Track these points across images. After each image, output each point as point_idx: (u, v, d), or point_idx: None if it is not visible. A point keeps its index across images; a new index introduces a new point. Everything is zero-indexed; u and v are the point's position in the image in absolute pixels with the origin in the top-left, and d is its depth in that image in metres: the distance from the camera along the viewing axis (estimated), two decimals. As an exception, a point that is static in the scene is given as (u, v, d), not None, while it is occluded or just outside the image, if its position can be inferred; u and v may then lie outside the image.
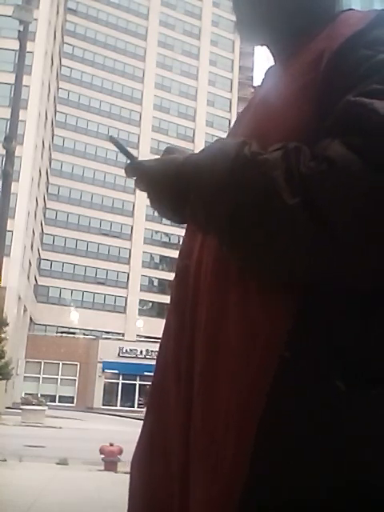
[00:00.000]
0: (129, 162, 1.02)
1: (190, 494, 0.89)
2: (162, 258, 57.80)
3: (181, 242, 1.10)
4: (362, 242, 0.77)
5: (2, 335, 26.17)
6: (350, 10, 1.00)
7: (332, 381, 0.80)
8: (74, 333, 51.99)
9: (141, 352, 45.66)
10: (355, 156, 0.77)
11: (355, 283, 0.81)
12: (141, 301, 57.42)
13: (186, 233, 1.08)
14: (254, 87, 1.12)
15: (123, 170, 1.03)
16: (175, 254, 1.09)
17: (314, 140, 0.84)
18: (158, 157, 1.02)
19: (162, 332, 1.08)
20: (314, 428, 0.79)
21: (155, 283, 58.46)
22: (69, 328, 52.73)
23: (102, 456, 9.68)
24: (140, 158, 1.01)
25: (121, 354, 46.38)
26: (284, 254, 0.81)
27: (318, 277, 0.82)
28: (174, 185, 0.92)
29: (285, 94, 0.93)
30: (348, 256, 0.78)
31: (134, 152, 1.03)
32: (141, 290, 57.54)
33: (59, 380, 47.89)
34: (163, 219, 1.03)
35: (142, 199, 53.27)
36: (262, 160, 0.82)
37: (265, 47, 1.10)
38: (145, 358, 43.82)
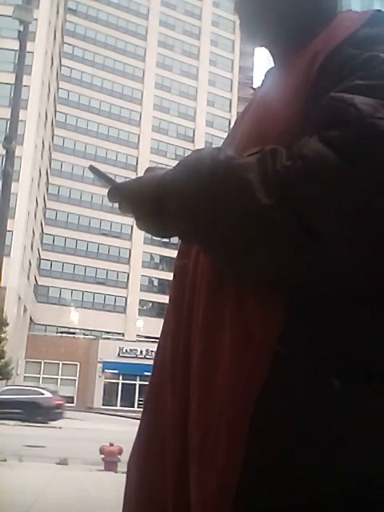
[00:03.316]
0: (109, 187, 1.00)
1: (187, 493, 0.88)
2: (162, 258, 57.76)
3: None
4: (341, 237, 0.76)
5: (2, 335, 26.23)
6: (348, 11, 1.00)
7: (326, 378, 0.79)
8: (73, 333, 51.95)
9: (141, 352, 45.64)
10: (329, 150, 0.75)
11: (340, 280, 0.80)
12: (141, 301, 57.40)
13: None
14: (253, 88, 1.11)
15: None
16: (175, 254, 1.10)
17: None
18: (138, 176, 1.01)
19: (160, 332, 1.08)
20: (308, 425, 0.79)
21: (155, 283, 58.45)
22: (69, 328, 52.68)
23: (102, 456, 9.69)
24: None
25: (121, 354, 46.36)
26: (266, 256, 0.80)
27: (302, 276, 0.80)
28: (154, 199, 0.91)
29: (281, 94, 0.93)
30: (329, 253, 0.77)
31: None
32: (141, 290, 57.52)
33: (59, 380, 47.85)
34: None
35: (141, 199, 53.07)
36: (237, 164, 0.81)
37: (265, 48, 1.10)
38: (145, 358, 43.79)
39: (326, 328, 0.82)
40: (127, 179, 1.03)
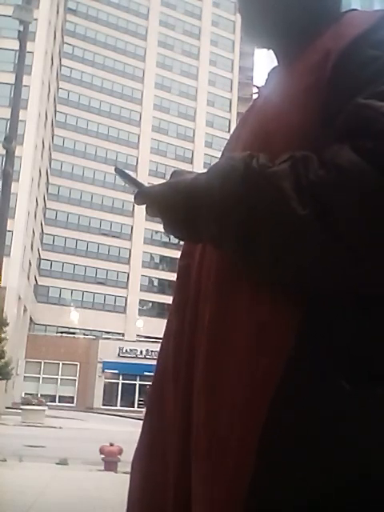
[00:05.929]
0: (136, 189, 1.00)
1: (188, 493, 0.88)
2: (162, 257, 57.75)
3: (182, 242, 1.09)
4: (376, 251, 0.76)
5: (2, 335, 26.19)
6: (354, 10, 0.99)
7: (337, 380, 0.80)
8: (73, 333, 51.95)
9: (141, 352, 45.66)
10: (365, 162, 0.76)
11: (369, 290, 0.81)
12: (141, 301, 57.38)
13: None
14: (257, 87, 1.10)
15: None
16: (175, 254, 1.10)
17: (318, 141, 0.83)
18: (165, 180, 1.00)
19: (163, 333, 1.07)
20: (319, 428, 0.79)
21: (155, 283, 58.43)
22: (69, 328, 52.68)
23: (102, 456, 9.69)
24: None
25: (121, 354, 46.37)
26: (297, 265, 0.81)
27: (332, 285, 0.81)
28: (185, 204, 0.90)
29: (289, 94, 0.92)
30: (363, 265, 0.78)
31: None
32: (141, 290, 57.50)
33: (59, 380, 47.87)
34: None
35: (141, 199, 53.03)
36: (271, 172, 0.81)
37: (269, 49, 1.09)
38: (145, 357, 43.83)
39: (335, 331, 0.82)
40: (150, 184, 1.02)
